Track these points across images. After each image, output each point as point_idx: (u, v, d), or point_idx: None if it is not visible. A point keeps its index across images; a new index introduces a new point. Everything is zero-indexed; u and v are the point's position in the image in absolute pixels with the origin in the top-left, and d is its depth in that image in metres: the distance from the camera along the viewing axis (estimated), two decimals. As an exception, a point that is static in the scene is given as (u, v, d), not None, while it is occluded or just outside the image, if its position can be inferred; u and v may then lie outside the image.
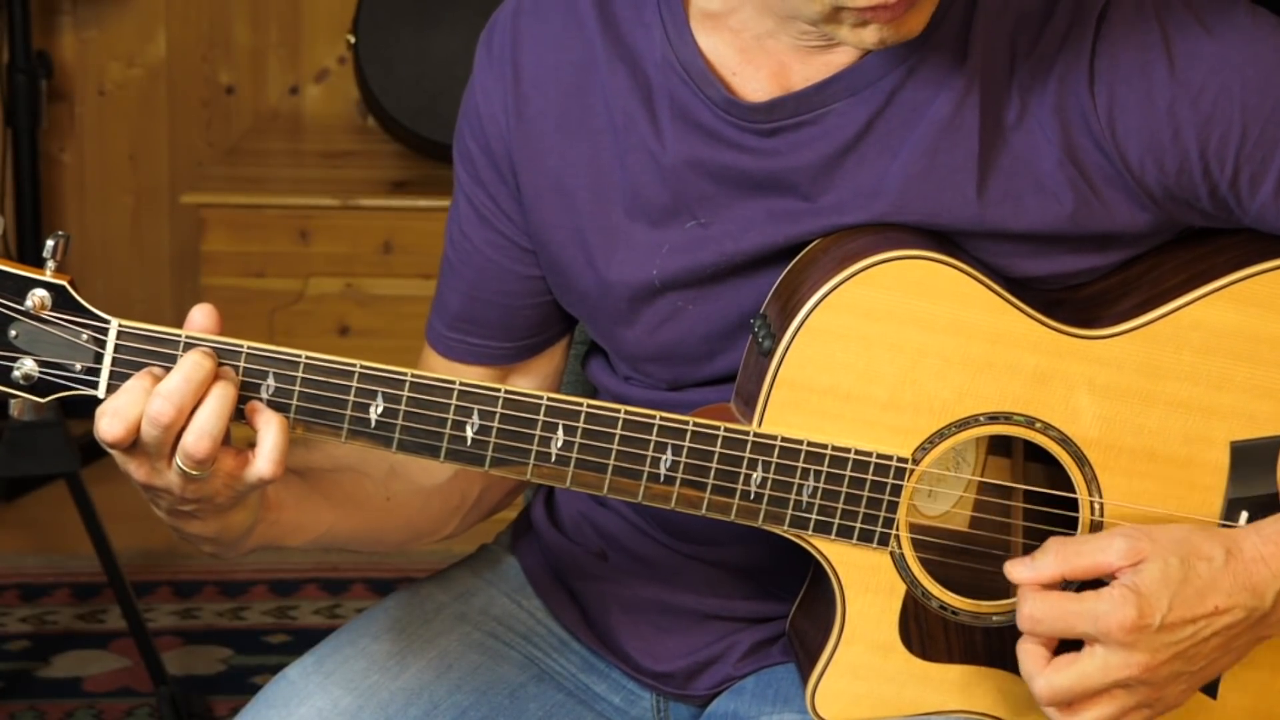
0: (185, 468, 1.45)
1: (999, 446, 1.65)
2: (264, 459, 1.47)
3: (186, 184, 3.94)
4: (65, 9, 4.04)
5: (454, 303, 1.75)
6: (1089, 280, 1.61)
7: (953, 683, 1.62)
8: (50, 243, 1.47)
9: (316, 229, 3.64)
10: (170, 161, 4.12)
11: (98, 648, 3.27)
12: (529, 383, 1.78)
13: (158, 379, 1.45)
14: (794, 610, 1.70)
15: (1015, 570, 1.53)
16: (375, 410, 1.51)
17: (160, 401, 1.43)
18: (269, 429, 1.47)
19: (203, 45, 4.09)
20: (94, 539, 2.98)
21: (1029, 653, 1.52)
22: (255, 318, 3.62)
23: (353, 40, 3.72)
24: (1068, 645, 1.53)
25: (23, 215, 3.89)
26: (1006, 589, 1.58)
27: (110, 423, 1.44)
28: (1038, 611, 1.51)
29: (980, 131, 1.56)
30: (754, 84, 1.60)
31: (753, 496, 1.56)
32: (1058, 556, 1.51)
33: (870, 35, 1.50)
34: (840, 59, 1.58)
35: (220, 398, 1.45)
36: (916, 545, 1.59)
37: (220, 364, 1.47)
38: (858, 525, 1.57)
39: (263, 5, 4.08)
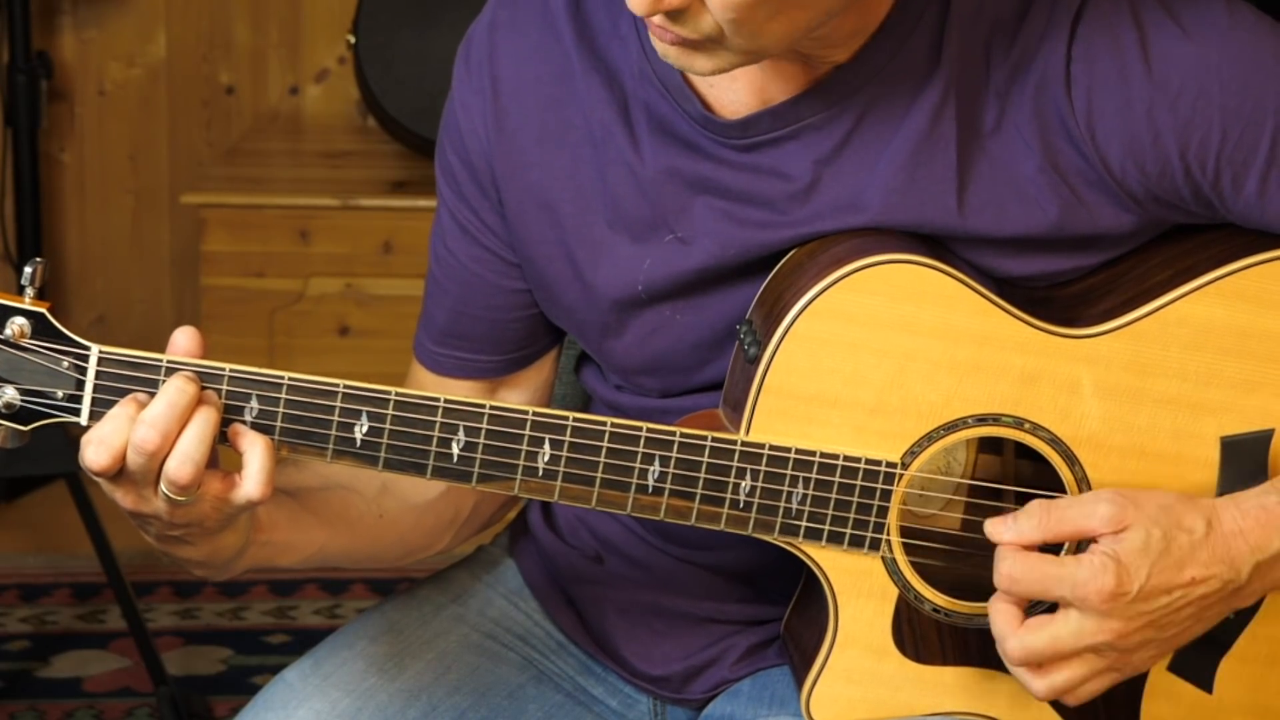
0: (170, 494, 1.45)
1: (990, 444, 1.65)
2: (251, 481, 1.46)
3: (186, 184, 3.94)
4: (65, 9, 4.04)
5: (440, 318, 1.75)
6: (1075, 278, 1.61)
7: (947, 684, 1.62)
8: (28, 270, 1.47)
9: (316, 229, 3.64)
10: (170, 161, 4.11)
11: (98, 648, 3.27)
12: (518, 396, 1.78)
13: (142, 405, 1.45)
14: (788, 613, 1.70)
15: (996, 530, 1.53)
16: (360, 429, 1.51)
17: (145, 429, 1.43)
18: (254, 450, 1.47)
19: (203, 45, 4.08)
20: (94, 539, 2.99)
21: (1002, 612, 1.52)
22: (255, 318, 3.62)
23: (353, 40, 3.72)
24: (1038, 607, 1.53)
25: (23, 215, 3.89)
26: (999, 590, 1.59)
27: (96, 451, 1.44)
28: (1016, 571, 1.50)
29: (958, 141, 1.55)
30: (731, 96, 1.60)
31: (742, 505, 1.56)
32: (1040, 520, 1.52)
33: (659, 47, 1.50)
34: (814, 72, 1.57)
35: (203, 422, 1.45)
36: (908, 548, 1.59)
37: (204, 388, 1.47)
38: (848, 531, 1.57)
39: (263, 5, 4.08)
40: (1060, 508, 1.52)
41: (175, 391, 1.44)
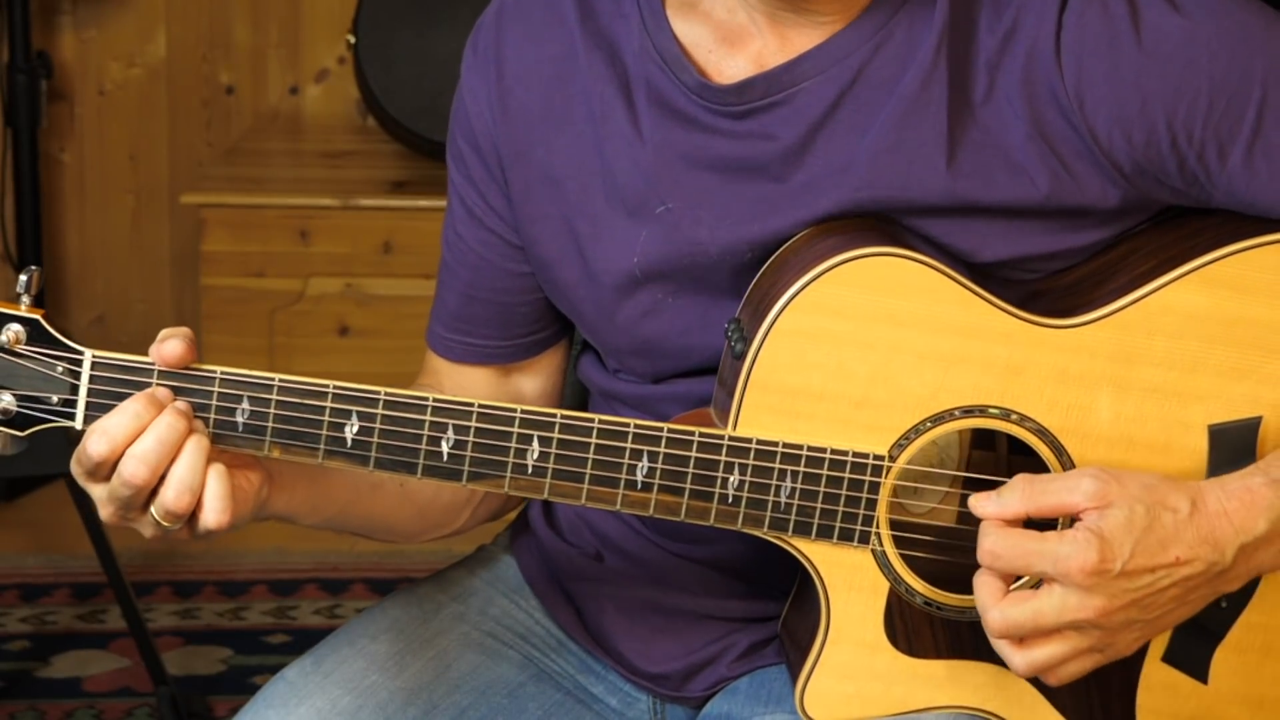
0: (162, 521, 1.48)
1: (982, 441, 1.65)
2: (210, 510, 1.48)
3: (186, 184, 3.94)
4: (65, 9, 4.04)
5: (452, 303, 1.77)
6: (1064, 267, 1.61)
7: (941, 678, 1.62)
8: (23, 278, 1.49)
9: (316, 229, 3.64)
10: (170, 161, 4.12)
11: (98, 648, 3.27)
12: (531, 382, 1.79)
13: (160, 404, 1.47)
14: (785, 610, 1.70)
15: (980, 504, 1.53)
16: (350, 430, 1.52)
17: (135, 463, 1.45)
18: (212, 479, 1.48)
19: (203, 45, 4.09)
20: (94, 539, 2.98)
21: (985, 584, 1.52)
22: (255, 318, 3.62)
23: (353, 40, 3.73)
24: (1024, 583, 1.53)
25: (23, 215, 3.89)
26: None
27: (98, 441, 1.46)
28: (999, 547, 1.50)
29: (948, 107, 1.57)
30: (730, 68, 1.62)
31: (730, 500, 1.56)
32: (1024, 494, 1.51)
33: None
34: (811, 39, 1.59)
35: (196, 451, 1.47)
36: (901, 543, 1.59)
37: (195, 416, 1.49)
38: (837, 525, 1.57)
39: (263, 5, 4.08)
40: (1043, 481, 1.52)
41: (166, 428, 1.46)
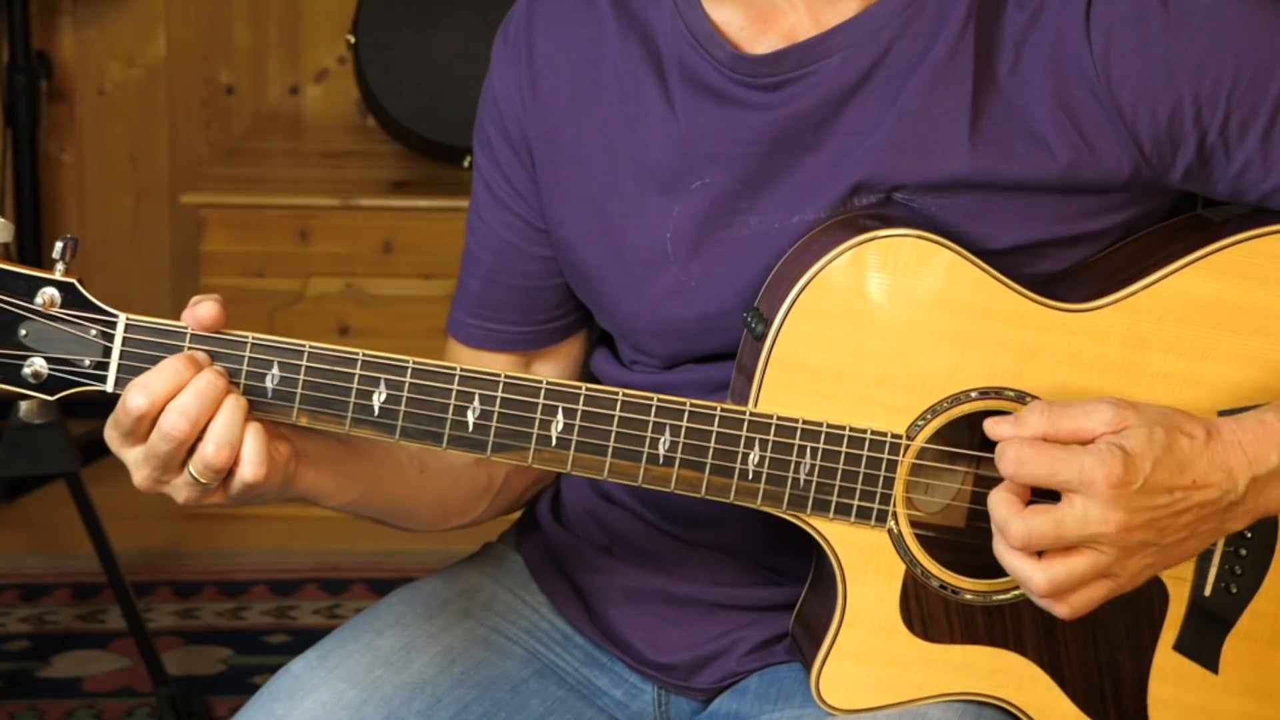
0: (200, 477, 1.49)
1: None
2: (248, 464, 1.49)
3: (186, 184, 3.95)
4: (65, 9, 4.05)
5: (474, 289, 1.78)
6: (1079, 260, 1.63)
7: (955, 664, 1.62)
8: (60, 244, 1.50)
9: (316, 229, 3.65)
10: (170, 161, 4.12)
11: (98, 648, 3.27)
12: (550, 370, 1.80)
13: (198, 366, 1.48)
14: (801, 598, 1.70)
15: (997, 427, 1.53)
16: (378, 398, 1.53)
17: (175, 416, 1.47)
18: (249, 435, 1.50)
19: (203, 45, 4.09)
20: (94, 539, 2.98)
21: (1003, 500, 1.51)
22: (255, 318, 3.62)
23: (353, 40, 3.73)
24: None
25: (23, 215, 3.89)
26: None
27: (138, 395, 1.47)
28: (1024, 454, 1.50)
29: (974, 77, 1.59)
30: (763, 45, 1.64)
31: (751, 476, 1.57)
32: (1042, 415, 1.52)
33: None
34: (843, 14, 1.62)
35: (234, 408, 1.48)
36: (915, 522, 1.60)
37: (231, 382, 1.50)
38: (855, 503, 1.58)
39: (263, 5, 4.08)
40: (1060, 406, 1.53)
41: (207, 384, 1.48)
